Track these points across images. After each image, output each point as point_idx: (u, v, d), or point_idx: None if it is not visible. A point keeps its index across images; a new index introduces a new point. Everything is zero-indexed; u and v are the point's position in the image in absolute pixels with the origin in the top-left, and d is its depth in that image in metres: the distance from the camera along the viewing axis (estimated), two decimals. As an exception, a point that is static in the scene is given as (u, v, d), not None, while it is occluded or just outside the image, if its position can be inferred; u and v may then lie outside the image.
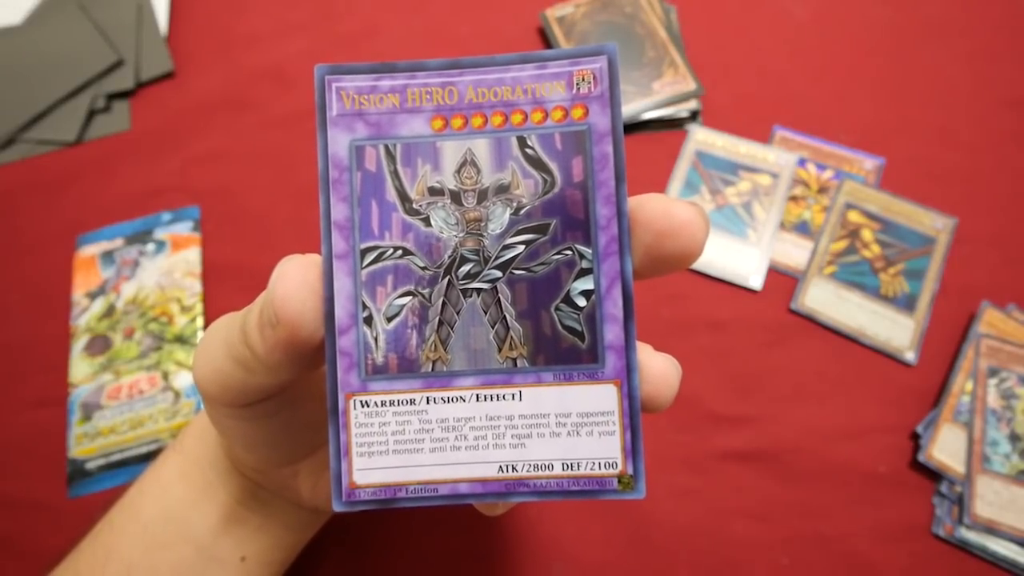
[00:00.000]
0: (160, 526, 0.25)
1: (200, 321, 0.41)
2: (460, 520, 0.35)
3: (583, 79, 0.17)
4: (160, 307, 0.41)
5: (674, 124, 0.47)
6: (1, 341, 0.41)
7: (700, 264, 0.42)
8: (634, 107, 0.46)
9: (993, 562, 0.34)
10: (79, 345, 0.40)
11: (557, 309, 0.17)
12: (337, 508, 0.17)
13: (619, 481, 0.17)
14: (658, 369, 0.17)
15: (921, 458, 0.36)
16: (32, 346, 0.41)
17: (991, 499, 0.35)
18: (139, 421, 0.38)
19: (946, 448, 0.36)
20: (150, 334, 0.40)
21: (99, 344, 0.40)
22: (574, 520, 0.35)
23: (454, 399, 0.17)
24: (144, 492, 0.26)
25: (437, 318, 0.17)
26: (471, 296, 0.17)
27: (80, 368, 0.39)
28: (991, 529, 0.34)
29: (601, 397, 0.17)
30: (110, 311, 0.41)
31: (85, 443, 0.37)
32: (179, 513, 0.25)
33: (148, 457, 0.37)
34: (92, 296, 0.42)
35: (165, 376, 0.39)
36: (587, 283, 0.17)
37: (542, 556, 0.35)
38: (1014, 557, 0.34)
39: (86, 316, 0.41)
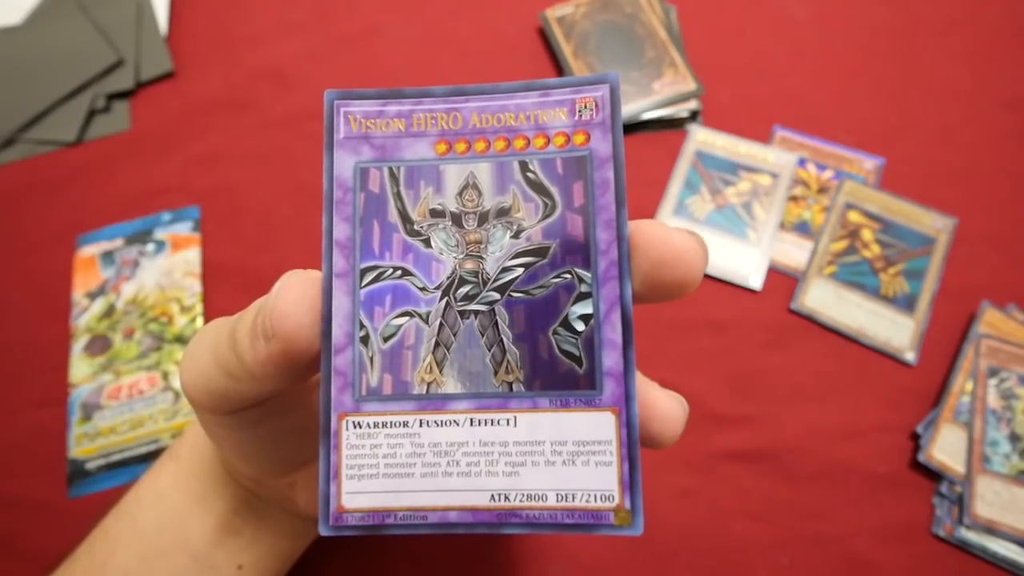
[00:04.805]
0: (156, 535, 0.25)
1: (200, 321, 0.41)
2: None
3: (585, 106, 0.17)
4: (160, 307, 0.41)
5: (674, 124, 0.47)
6: (1, 341, 0.41)
7: (700, 264, 0.42)
8: (634, 107, 0.46)
9: (993, 562, 0.34)
10: (79, 345, 0.40)
11: (555, 333, 0.17)
12: (324, 532, 0.16)
13: (615, 515, 0.16)
14: (662, 408, 0.17)
15: (921, 458, 0.36)
16: (32, 346, 0.41)
17: (991, 499, 0.35)
18: (139, 421, 0.38)
19: (946, 448, 0.36)
20: (150, 334, 0.40)
21: (99, 344, 0.40)
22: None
23: (448, 423, 0.17)
24: (140, 500, 0.26)
25: (434, 339, 0.17)
26: (469, 318, 0.17)
27: (80, 368, 0.39)
28: (991, 529, 0.34)
29: (598, 425, 0.16)
30: (110, 311, 0.41)
31: (85, 443, 0.37)
32: (175, 522, 0.25)
33: (148, 457, 0.37)
34: (92, 296, 0.42)
35: (165, 376, 0.39)
36: (586, 307, 0.17)
37: (542, 556, 0.35)
38: (1014, 557, 0.34)
39: (86, 316, 0.41)
